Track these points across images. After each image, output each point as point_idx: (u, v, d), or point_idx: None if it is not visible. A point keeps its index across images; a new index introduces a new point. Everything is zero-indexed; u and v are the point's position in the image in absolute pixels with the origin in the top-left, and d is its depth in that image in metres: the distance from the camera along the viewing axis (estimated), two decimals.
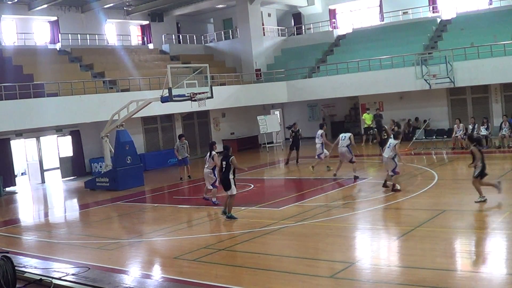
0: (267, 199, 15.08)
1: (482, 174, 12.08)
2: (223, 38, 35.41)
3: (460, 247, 9.65)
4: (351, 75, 27.56)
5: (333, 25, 34.96)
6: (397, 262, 9.01)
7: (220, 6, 35.05)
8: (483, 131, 21.87)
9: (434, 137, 23.74)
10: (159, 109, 23.21)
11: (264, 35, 33.66)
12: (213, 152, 14.13)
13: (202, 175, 16.63)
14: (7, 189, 22.00)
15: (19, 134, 23.10)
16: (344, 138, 17.48)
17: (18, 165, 25.07)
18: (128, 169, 19.76)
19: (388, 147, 14.56)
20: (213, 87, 19.71)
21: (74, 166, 25.00)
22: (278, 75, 30.67)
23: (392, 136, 15.19)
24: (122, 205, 16.61)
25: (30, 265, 7.74)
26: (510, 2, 28.57)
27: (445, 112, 26.86)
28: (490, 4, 29.82)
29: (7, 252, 6.39)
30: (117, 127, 19.76)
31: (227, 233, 11.83)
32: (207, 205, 14.93)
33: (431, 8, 31.64)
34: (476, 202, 11.98)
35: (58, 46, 29.78)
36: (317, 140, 19.40)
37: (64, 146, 25.04)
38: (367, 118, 27.89)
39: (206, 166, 14.46)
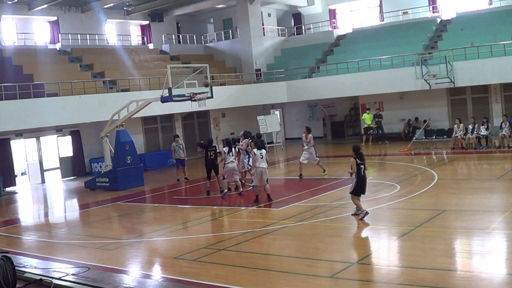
0: (267, 199, 15.03)
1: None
2: (223, 38, 35.42)
3: (460, 247, 9.65)
4: (351, 75, 27.56)
5: (333, 25, 34.96)
6: (397, 262, 9.00)
7: (220, 6, 35.07)
8: (483, 131, 21.89)
9: (434, 137, 23.74)
10: (159, 109, 23.24)
11: (264, 35, 33.67)
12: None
13: (200, 176, 16.66)
14: (7, 189, 22.02)
15: (19, 134, 23.11)
16: (262, 156, 14.49)
17: (18, 165, 25.09)
18: (128, 169, 19.76)
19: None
20: (213, 87, 19.71)
21: (74, 166, 25.00)
22: (278, 75, 30.67)
23: None
24: (122, 205, 16.60)
25: (30, 265, 7.71)
26: (510, 2, 28.60)
27: (445, 112, 26.86)
28: (490, 4, 29.84)
29: (7, 252, 6.38)
30: (117, 127, 19.76)
31: (227, 233, 11.82)
32: (206, 205, 14.90)
33: (431, 8, 31.66)
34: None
35: (58, 46, 29.80)
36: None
37: (64, 146, 25.05)
38: (367, 118, 27.88)
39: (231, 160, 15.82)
